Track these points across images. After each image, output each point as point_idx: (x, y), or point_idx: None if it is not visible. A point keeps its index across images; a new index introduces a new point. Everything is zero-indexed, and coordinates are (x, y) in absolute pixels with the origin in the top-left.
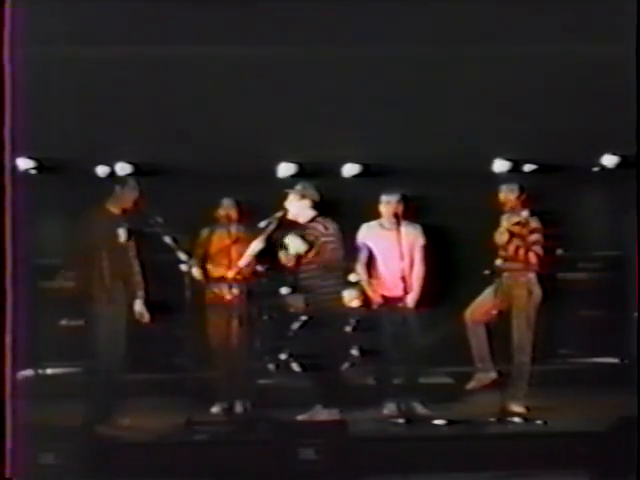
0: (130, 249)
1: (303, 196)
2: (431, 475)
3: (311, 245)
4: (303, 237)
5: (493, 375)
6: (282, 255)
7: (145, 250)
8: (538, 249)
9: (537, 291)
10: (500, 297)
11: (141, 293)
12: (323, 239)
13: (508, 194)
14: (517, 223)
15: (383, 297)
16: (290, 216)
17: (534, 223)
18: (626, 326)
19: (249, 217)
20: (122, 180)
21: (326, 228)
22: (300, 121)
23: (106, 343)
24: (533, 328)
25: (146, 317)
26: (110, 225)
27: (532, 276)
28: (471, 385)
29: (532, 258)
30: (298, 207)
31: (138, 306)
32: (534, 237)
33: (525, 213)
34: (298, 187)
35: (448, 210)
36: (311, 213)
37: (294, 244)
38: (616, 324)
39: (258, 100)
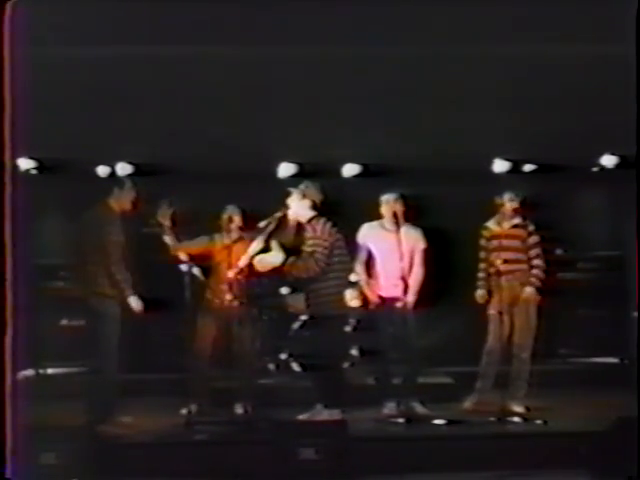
0: (124, 248)
1: (304, 196)
2: (431, 475)
3: (287, 257)
4: (284, 246)
5: (490, 399)
6: (257, 260)
7: (145, 250)
8: (540, 262)
9: (537, 291)
10: (500, 298)
11: (130, 291)
12: (310, 242)
13: (513, 201)
14: (515, 226)
15: (381, 297)
16: (290, 214)
17: (531, 226)
18: (626, 326)
19: (251, 221)
20: (119, 181)
21: (314, 231)
22: (300, 121)
23: (106, 343)
24: (533, 328)
25: (139, 308)
26: (109, 225)
27: (532, 276)
28: (467, 405)
29: (535, 270)
30: (298, 206)
31: (133, 301)
32: (535, 251)
33: (519, 218)
34: (301, 186)
35: (448, 210)
36: (310, 213)
37: (272, 255)
38: (616, 324)
39: (258, 100)
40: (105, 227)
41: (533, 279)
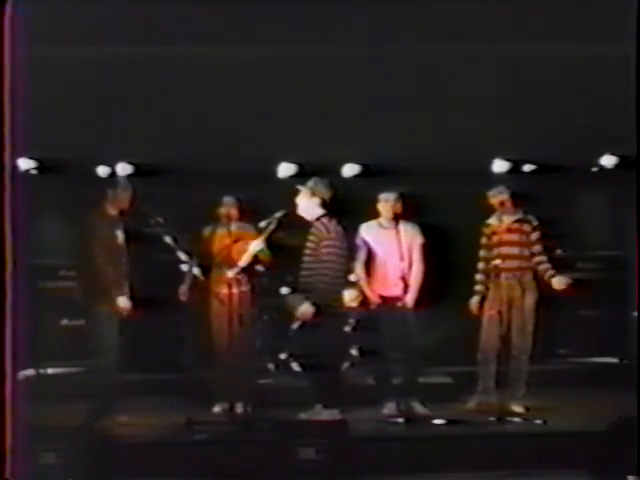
0: (126, 249)
1: (313, 193)
2: (431, 475)
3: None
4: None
5: (494, 399)
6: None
7: (145, 250)
8: (544, 257)
9: (535, 290)
10: (499, 296)
11: (126, 290)
12: (324, 242)
13: (500, 197)
14: (517, 221)
15: (381, 297)
16: (300, 212)
17: (535, 221)
18: (626, 326)
19: (250, 216)
20: (115, 181)
21: (328, 231)
22: (300, 121)
23: (106, 343)
24: (532, 328)
25: (127, 307)
26: (108, 226)
27: (530, 276)
28: (470, 406)
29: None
30: (307, 204)
31: (122, 302)
32: (538, 247)
33: (521, 213)
34: (310, 184)
35: (447, 210)
36: (319, 212)
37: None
38: (616, 324)
39: (258, 100)
40: (104, 229)
41: (549, 270)
